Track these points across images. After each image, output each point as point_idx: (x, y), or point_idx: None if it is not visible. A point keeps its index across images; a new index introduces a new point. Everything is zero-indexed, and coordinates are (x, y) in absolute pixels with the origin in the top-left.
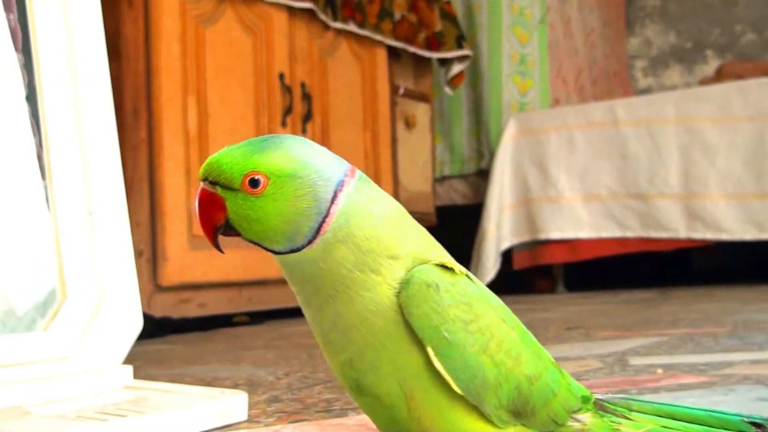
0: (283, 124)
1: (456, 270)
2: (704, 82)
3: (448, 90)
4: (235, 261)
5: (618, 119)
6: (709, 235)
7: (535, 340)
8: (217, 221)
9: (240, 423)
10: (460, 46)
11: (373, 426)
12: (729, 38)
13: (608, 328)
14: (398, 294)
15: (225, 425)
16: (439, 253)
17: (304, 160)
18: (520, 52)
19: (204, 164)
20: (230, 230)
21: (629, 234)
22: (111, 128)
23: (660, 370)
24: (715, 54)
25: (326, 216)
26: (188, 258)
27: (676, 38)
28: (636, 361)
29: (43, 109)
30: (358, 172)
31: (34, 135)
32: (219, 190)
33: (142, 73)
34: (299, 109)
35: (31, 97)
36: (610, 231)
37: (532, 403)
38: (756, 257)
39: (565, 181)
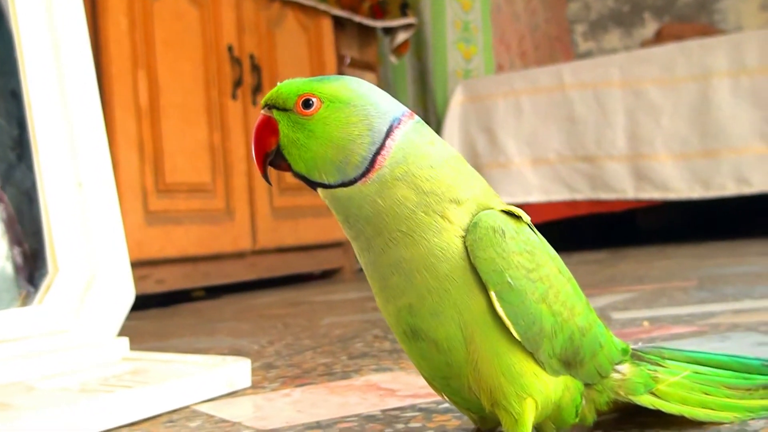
0: (234, 96)
1: (522, 218)
2: (645, 44)
3: (392, 59)
4: (191, 236)
5: (564, 83)
6: (657, 195)
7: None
8: (268, 146)
9: (245, 389)
10: (404, 14)
11: (382, 386)
12: (666, 0)
13: None
14: (465, 238)
15: (230, 392)
16: (499, 200)
17: (361, 92)
18: (463, 19)
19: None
20: (279, 160)
21: (578, 196)
22: (94, 99)
23: (646, 323)
24: (652, 16)
25: (380, 148)
26: (144, 234)
27: (614, 2)
28: (618, 315)
29: (26, 82)
30: (417, 117)
31: None
32: (274, 113)
33: (90, 47)
34: (249, 81)
35: (13, 71)
36: (559, 194)
37: (582, 354)
38: (698, 216)
39: (513, 146)
